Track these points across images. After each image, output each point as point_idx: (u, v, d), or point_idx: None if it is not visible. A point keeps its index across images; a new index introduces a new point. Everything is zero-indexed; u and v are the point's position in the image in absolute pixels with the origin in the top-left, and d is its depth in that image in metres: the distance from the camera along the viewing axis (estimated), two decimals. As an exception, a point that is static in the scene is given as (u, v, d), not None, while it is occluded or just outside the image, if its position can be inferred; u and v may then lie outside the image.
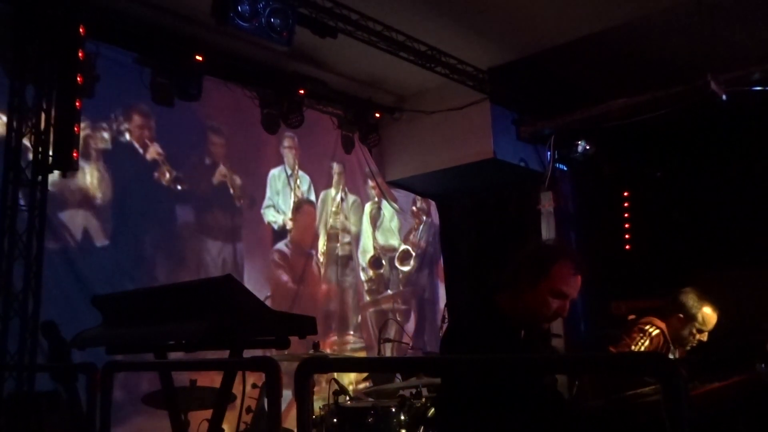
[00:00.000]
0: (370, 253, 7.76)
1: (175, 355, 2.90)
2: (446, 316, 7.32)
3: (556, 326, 6.20)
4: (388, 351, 6.79)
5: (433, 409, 4.10)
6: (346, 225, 7.49)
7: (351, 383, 6.64)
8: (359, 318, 7.44)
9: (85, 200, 5.32)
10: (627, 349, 3.70)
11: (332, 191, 7.39)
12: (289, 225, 6.87)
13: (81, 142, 4.82)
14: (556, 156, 7.38)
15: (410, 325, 7.98)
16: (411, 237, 8.25)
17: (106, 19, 5.25)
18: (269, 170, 6.79)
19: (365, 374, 6.49)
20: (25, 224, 4.45)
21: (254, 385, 4.96)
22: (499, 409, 2.25)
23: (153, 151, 5.81)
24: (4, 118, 4.61)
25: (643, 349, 3.69)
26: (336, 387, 4.56)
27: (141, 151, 5.75)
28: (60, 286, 4.92)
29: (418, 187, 8.16)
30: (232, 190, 6.39)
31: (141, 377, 5.05)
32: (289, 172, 6.96)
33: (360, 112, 7.27)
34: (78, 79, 4.66)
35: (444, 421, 2.68)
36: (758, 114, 6.28)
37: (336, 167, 7.42)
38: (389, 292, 7.88)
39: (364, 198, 7.75)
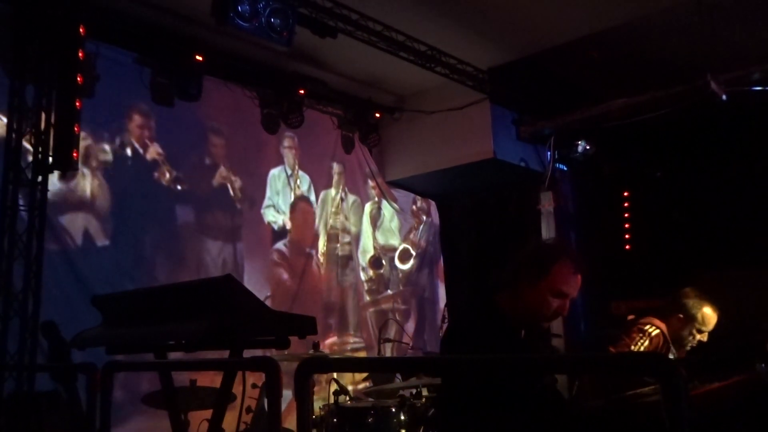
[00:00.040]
0: (370, 253, 7.76)
1: (175, 355, 2.91)
2: (446, 316, 7.32)
3: (556, 326, 6.23)
4: (388, 351, 6.79)
5: (433, 409, 4.10)
6: (346, 225, 7.49)
7: (351, 383, 6.64)
8: (359, 318, 7.44)
9: (85, 201, 5.32)
10: (627, 349, 3.69)
11: (332, 191, 7.39)
12: (289, 225, 6.87)
13: (81, 141, 4.82)
14: (556, 156, 7.37)
15: (410, 325, 7.98)
16: (411, 236, 8.25)
17: (106, 19, 5.25)
18: (269, 170, 6.79)
19: (365, 374, 6.49)
20: (25, 224, 4.44)
21: (254, 385, 4.95)
22: (500, 409, 2.26)
23: (153, 151, 5.81)
24: (4, 119, 4.60)
25: (642, 349, 3.68)
26: (336, 387, 4.56)
27: (141, 151, 5.75)
28: (60, 286, 4.92)
29: (418, 187, 8.16)
30: (232, 190, 6.39)
31: (141, 377, 5.05)
32: (289, 172, 6.96)
33: (360, 112, 7.26)
34: (78, 79, 4.64)
35: (444, 421, 2.68)
36: (758, 114, 6.26)
37: (336, 167, 7.42)
38: (389, 292, 7.88)
39: (364, 198, 7.75)
